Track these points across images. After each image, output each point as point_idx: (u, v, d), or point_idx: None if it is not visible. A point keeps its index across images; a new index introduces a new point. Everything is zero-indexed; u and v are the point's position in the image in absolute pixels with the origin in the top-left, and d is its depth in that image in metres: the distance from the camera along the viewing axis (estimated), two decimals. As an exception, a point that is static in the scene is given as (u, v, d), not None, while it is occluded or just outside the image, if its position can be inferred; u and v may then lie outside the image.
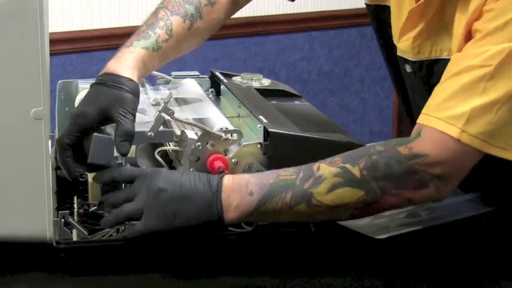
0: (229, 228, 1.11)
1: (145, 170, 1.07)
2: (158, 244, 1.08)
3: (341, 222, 1.21)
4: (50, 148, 1.06)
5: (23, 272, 1.08)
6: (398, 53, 1.23)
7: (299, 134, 1.12)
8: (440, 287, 1.08)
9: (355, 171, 1.03)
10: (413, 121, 1.13)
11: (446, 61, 1.10)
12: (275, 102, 1.29)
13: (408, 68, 1.23)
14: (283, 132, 1.11)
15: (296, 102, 1.32)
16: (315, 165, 1.05)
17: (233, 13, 1.37)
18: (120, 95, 1.09)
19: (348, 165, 1.04)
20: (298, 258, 1.12)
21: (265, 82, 1.38)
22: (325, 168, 1.04)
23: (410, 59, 1.21)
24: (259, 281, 1.07)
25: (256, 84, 1.36)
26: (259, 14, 2.91)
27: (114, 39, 2.67)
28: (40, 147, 1.04)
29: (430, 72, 1.19)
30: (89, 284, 1.06)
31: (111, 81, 1.11)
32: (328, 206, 1.04)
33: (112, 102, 1.08)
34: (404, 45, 1.20)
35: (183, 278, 1.07)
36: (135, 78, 1.14)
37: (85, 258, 1.08)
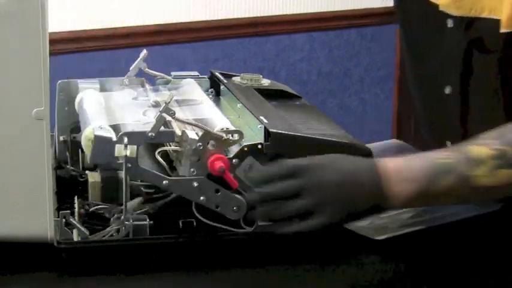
0: (230, 228, 1.11)
1: (304, 164, 1.06)
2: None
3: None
4: (50, 148, 1.06)
5: (23, 272, 1.08)
6: (441, 8, 1.25)
7: (300, 134, 1.12)
8: (440, 287, 1.08)
9: None
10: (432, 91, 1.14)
11: (487, 20, 1.11)
12: (275, 102, 1.29)
13: (450, 23, 1.26)
14: (284, 132, 1.11)
15: (296, 102, 1.32)
16: (470, 147, 1.06)
17: None
18: None
19: (505, 147, 1.05)
20: (298, 259, 1.12)
21: (265, 82, 1.38)
22: (482, 151, 1.05)
23: (452, 13, 1.24)
24: (259, 281, 1.08)
25: (256, 85, 1.36)
26: (259, 15, 2.92)
27: (114, 39, 2.68)
28: (41, 147, 1.04)
29: (470, 28, 1.22)
30: (90, 284, 1.06)
31: None
32: (487, 188, 1.05)
33: None
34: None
35: (184, 278, 1.07)
36: None
37: (86, 259, 1.08)
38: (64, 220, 1.08)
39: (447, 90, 1.30)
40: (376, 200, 1.05)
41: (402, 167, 1.06)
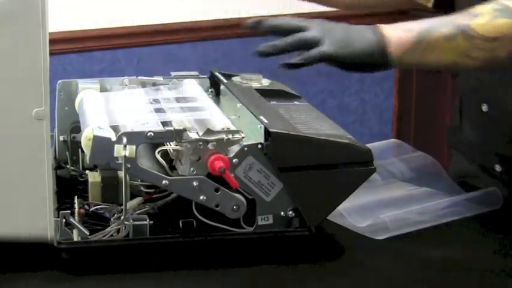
0: (230, 228, 1.11)
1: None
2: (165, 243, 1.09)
3: (341, 223, 1.22)
4: (50, 148, 1.06)
5: (23, 272, 1.08)
6: None
7: (300, 134, 1.12)
8: (440, 287, 1.08)
9: None
10: None
11: None
12: (275, 102, 1.29)
13: None
14: (284, 132, 1.11)
15: (296, 102, 1.32)
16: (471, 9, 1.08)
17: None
18: None
19: (505, 1, 1.06)
20: (298, 259, 1.12)
21: (265, 82, 1.38)
22: (481, 7, 1.06)
23: None
24: (259, 281, 1.08)
25: (256, 85, 1.36)
26: (259, 15, 2.92)
27: (113, 39, 2.68)
28: (41, 147, 1.04)
29: None
30: (90, 284, 1.06)
31: None
32: (485, 38, 1.04)
33: None
34: None
35: (184, 278, 1.07)
36: None
37: (86, 259, 1.08)
38: (64, 220, 1.08)
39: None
40: (374, 42, 1.09)
41: (401, 24, 1.09)
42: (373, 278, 1.09)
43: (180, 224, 1.10)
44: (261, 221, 1.12)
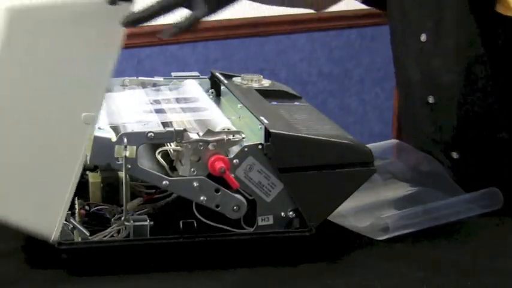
0: (230, 228, 1.11)
1: None
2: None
3: (342, 224, 1.22)
4: (86, 153, 1.07)
5: (24, 273, 1.08)
6: None
7: (300, 135, 1.12)
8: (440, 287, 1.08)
9: None
10: None
11: None
12: (275, 103, 1.29)
13: None
14: (285, 133, 1.11)
15: (296, 103, 1.32)
16: None
17: None
18: None
19: None
20: (298, 259, 1.12)
21: (266, 83, 1.38)
22: None
23: None
24: (260, 281, 1.08)
25: (256, 85, 1.36)
26: (260, 15, 2.92)
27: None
28: (79, 151, 1.05)
29: None
30: (91, 285, 1.06)
31: None
32: None
33: None
34: None
35: (184, 279, 1.07)
36: None
37: (86, 259, 1.08)
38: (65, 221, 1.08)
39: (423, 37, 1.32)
40: None
41: None
42: (373, 278, 1.09)
43: (181, 225, 1.10)
44: (261, 221, 1.13)
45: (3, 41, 1.03)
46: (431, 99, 1.34)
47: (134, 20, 1.08)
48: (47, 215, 1.05)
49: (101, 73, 1.05)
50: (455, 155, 1.36)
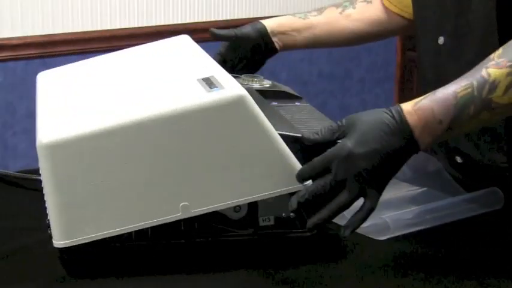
0: (230, 228, 1.11)
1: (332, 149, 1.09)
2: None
3: (342, 224, 1.22)
4: None
5: (24, 273, 1.08)
6: None
7: (300, 135, 1.12)
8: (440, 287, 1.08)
9: None
10: None
11: None
12: (276, 103, 1.29)
13: None
14: (285, 133, 1.11)
15: (297, 103, 1.32)
16: (483, 71, 1.09)
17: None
18: None
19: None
20: (298, 259, 1.12)
21: (266, 83, 1.38)
22: (496, 72, 1.08)
23: None
24: (260, 281, 1.08)
25: (257, 86, 1.36)
26: (260, 16, 2.92)
27: (114, 41, 2.68)
28: None
29: None
30: (91, 285, 1.06)
31: None
32: (505, 105, 1.08)
33: None
34: None
35: (185, 279, 1.07)
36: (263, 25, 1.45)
37: (87, 259, 1.08)
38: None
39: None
40: (406, 152, 1.09)
41: (428, 114, 1.08)
42: (374, 278, 1.09)
43: (182, 226, 1.10)
44: (262, 222, 1.13)
45: None
46: None
47: (315, 225, 1.08)
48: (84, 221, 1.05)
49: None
50: (459, 159, 1.36)
